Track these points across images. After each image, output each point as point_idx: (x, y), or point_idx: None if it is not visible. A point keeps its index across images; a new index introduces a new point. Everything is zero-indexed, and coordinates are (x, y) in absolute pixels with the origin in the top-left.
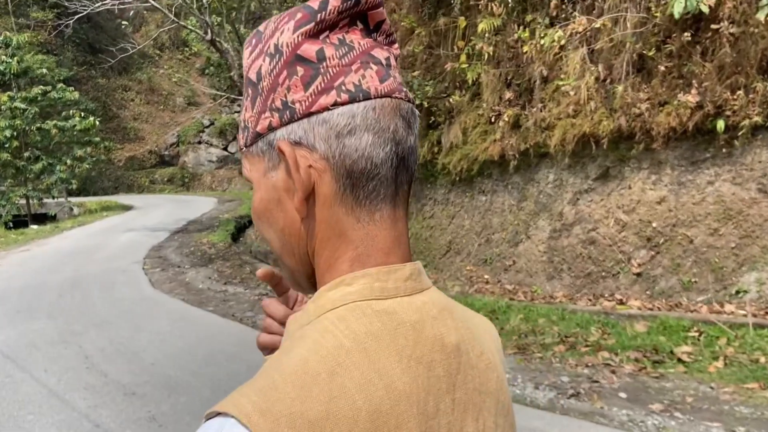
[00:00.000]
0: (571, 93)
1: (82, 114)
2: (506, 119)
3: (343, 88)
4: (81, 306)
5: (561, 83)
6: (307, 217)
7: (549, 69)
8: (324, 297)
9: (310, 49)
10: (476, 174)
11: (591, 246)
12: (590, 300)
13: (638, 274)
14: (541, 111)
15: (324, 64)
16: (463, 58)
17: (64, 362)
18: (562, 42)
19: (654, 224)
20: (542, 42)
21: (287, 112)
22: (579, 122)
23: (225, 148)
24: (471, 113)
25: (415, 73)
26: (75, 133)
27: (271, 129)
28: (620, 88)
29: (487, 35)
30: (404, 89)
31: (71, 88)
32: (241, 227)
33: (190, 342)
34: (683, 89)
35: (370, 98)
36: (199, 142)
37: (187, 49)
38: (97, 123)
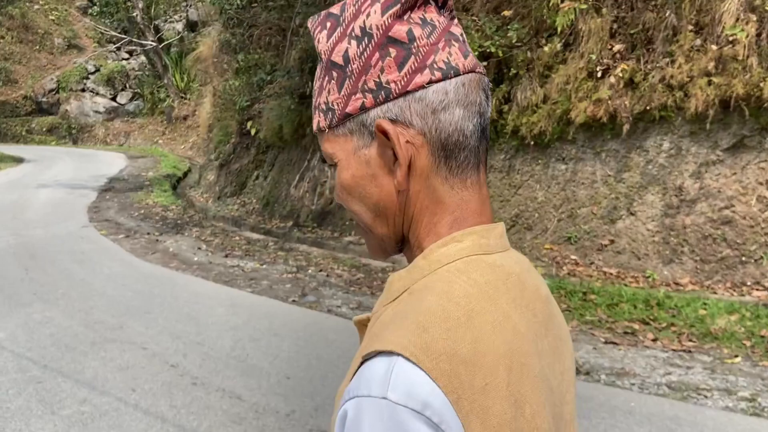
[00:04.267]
0: (714, 47)
1: None
2: (619, 74)
3: (435, 66)
4: (71, 284)
5: (729, 32)
6: (403, 189)
7: (682, 18)
8: (437, 252)
9: (400, 30)
10: (557, 138)
11: (724, 226)
12: (730, 289)
13: None
14: (668, 66)
15: (415, 44)
16: None
17: (147, 375)
18: None
19: None
20: None
21: (382, 93)
22: (725, 82)
23: (113, 98)
24: (562, 66)
25: (508, 13)
26: None
27: (363, 109)
28: None
29: None
30: (480, 63)
31: None
32: (174, 187)
33: (297, 342)
34: None
35: (460, 74)
36: (83, 90)
37: None
38: None
